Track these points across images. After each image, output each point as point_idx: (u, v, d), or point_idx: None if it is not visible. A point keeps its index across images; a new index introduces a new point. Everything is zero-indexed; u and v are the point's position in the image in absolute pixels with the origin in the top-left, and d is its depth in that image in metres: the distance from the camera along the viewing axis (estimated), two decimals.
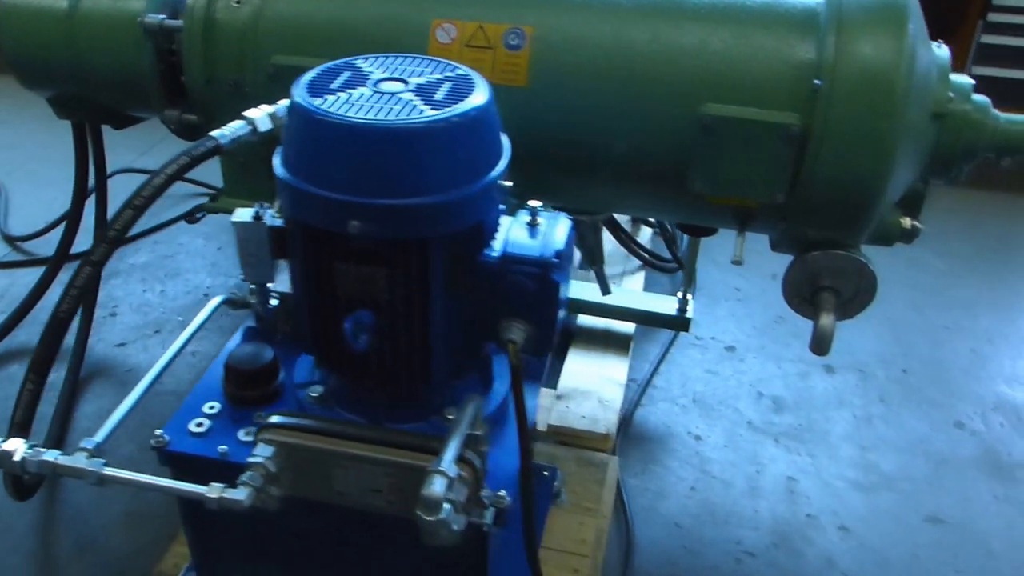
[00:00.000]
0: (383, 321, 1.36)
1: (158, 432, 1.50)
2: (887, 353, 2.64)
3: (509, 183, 1.37)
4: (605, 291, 2.30)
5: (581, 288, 2.38)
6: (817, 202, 1.75)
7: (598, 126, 1.83)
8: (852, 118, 1.67)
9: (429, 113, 1.23)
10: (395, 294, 1.33)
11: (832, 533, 2.05)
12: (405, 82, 1.34)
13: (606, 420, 2.10)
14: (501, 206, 1.48)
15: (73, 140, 2.19)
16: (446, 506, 1.22)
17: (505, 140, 1.41)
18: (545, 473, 1.95)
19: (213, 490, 1.31)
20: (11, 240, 3.04)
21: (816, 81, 1.69)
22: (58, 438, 2.21)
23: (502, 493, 1.38)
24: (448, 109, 1.25)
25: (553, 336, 1.40)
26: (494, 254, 1.36)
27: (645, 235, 2.77)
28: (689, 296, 2.33)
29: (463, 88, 1.31)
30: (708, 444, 2.28)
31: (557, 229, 1.41)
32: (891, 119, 1.67)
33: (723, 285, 2.89)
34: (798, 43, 1.75)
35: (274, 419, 1.39)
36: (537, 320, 1.39)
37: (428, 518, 1.20)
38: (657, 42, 1.79)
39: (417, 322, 1.36)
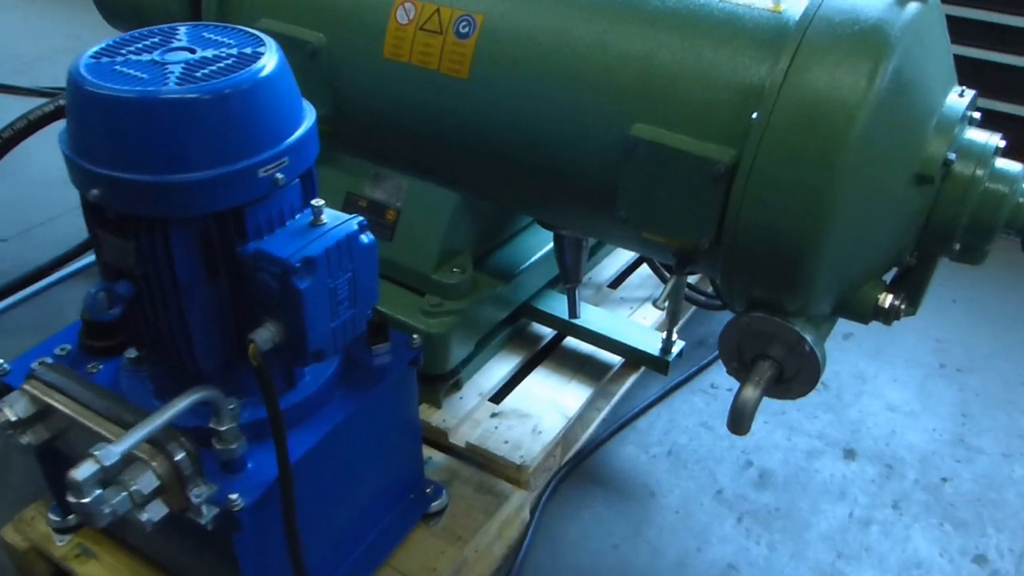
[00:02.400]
0: (141, 295, 1.33)
1: (0, 361, 1.58)
2: (935, 452, 2.20)
3: (281, 174, 1.27)
4: (572, 314, 2.11)
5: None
6: (742, 254, 1.50)
7: (532, 129, 1.70)
8: (784, 161, 1.41)
9: (170, 88, 1.18)
10: (147, 269, 1.30)
11: None
12: (194, 52, 1.29)
13: (528, 451, 1.93)
14: (321, 199, 1.39)
15: None
16: (98, 492, 1.18)
17: (302, 129, 1.31)
18: (427, 490, 1.83)
19: None
20: None
21: (753, 115, 1.42)
22: None
23: (234, 496, 1.32)
24: (191, 85, 1.18)
25: (304, 346, 1.31)
26: (249, 247, 1.28)
27: None
28: (675, 337, 2.07)
29: (239, 67, 1.24)
30: (659, 503, 2.03)
31: (331, 233, 1.30)
32: (832, 170, 1.38)
33: None
34: (752, 64, 1.49)
35: (37, 371, 1.42)
36: (285, 324, 1.30)
37: (71, 499, 1.16)
38: (600, 45, 1.61)
39: (172, 302, 1.32)
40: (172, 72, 1.23)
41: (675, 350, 2.08)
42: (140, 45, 1.32)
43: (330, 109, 1.94)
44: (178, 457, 1.26)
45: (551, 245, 2.16)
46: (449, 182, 1.95)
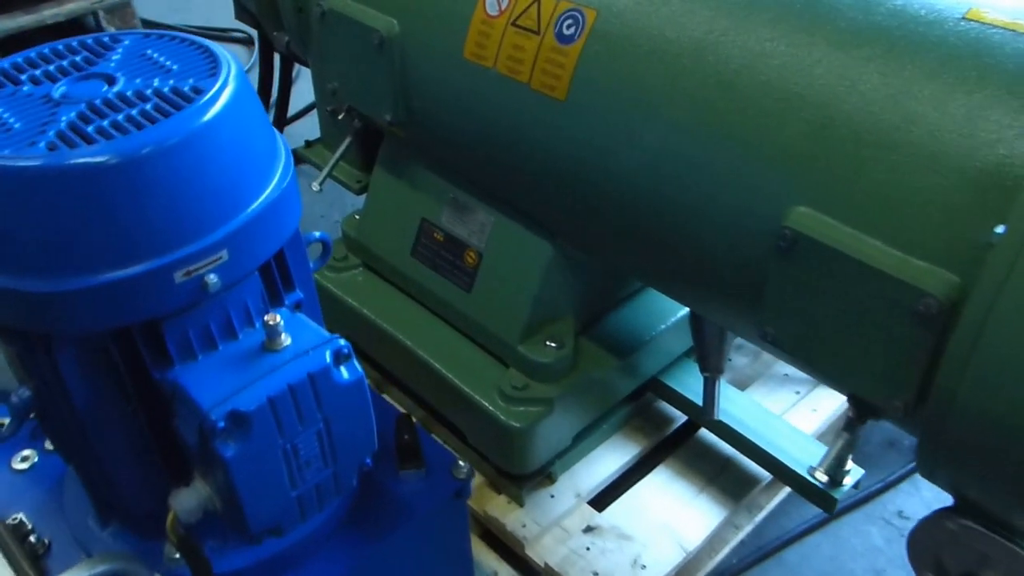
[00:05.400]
0: (41, 408, 0.99)
1: None
2: None
3: (214, 276, 0.87)
4: (707, 411, 1.60)
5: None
6: (954, 439, 0.99)
7: (644, 184, 1.24)
8: None
9: (32, 153, 0.82)
10: (38, 384, 0.95)
11: None
12: (114, 83, 0.90)
13: None
14: (277, 315, 0.99)
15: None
16: None
17: (258, 202, 0.91)
18: None
19: None
20: None
21: (998, 228, 0.88)
22: None
23: None
24: (61, 152, 0.81)
25: (245, 524, 0.92)
26: (168, 375, 0.90)
27: None
28: (849, 465, 1.52)
29: (158, 114, 0.86)
30: None
31: (284, 370, 0.89)
32: None
33: None
34: (1003, 133, 0.94)
35: None
36: (216, 489, 0.91)
37: None
38: (757, 76, 1.07)
39: (74, 430, 0.97)
40: (56, 122, 0.85)
41: (847, 482, 1.54)
42: (51, 67, 0.96)
43: (401, 113, 1.54)
44: None
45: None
46: (538, 225, 1.50)
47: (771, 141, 1.07)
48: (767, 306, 1.11)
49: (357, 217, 1.85)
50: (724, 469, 1.72)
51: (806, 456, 1.60)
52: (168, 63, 0.94)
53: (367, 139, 1.80)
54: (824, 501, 1.56)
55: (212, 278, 0.88)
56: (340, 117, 1.75)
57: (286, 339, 0.92)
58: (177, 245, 0.85)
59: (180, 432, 0.91)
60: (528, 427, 1.50)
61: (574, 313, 1.57)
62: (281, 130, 2.54)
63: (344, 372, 0.93)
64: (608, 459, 1.73)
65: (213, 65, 0.93)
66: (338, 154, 1.82)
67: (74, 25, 3.53)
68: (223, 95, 0.89)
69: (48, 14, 2.93)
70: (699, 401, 1.67)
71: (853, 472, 1.55)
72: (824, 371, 1.11)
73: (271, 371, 0.89)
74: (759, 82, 1.08)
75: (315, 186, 1.82)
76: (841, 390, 1.17)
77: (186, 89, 0.89)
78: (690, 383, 1.72)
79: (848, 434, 1.20)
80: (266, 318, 0.91)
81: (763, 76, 1.08)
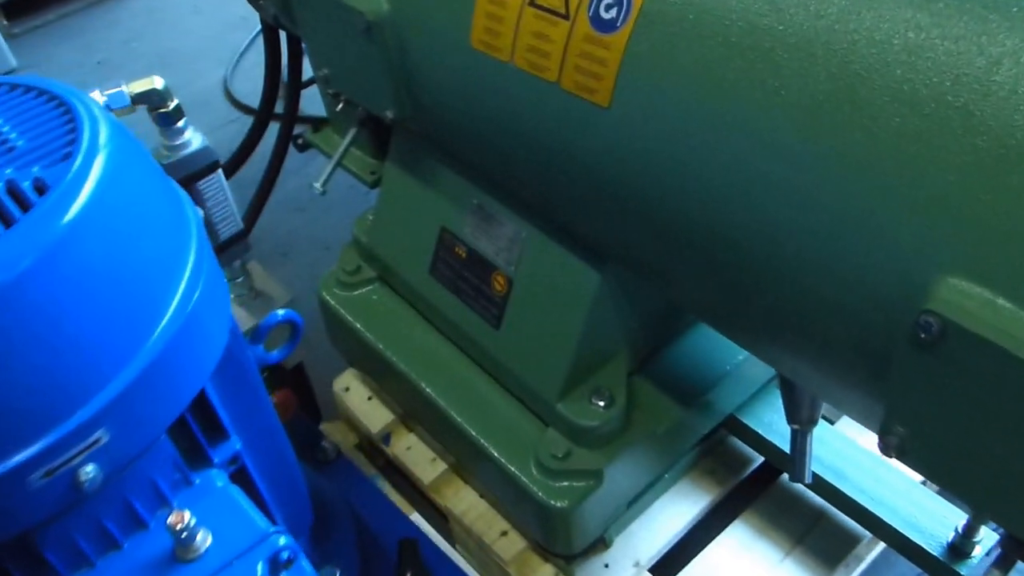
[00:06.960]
0: None
1: None
2: None
3: (90, 470, 0.58)
4: (796, 471, 1.29)
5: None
6: None
7: (722, 221, 0.87)
8: None
9: None
10: None
11: None
12: None
13: None
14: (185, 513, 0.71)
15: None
16: None
17: (158, 332, 0.63)
18: None
19: None
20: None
21: None
22: None
23: None
24: None
25: None
26: None
27: None
28: (979, 535, 1.21)
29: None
30: None
31: None
32: None
33: None
34: None
35: None
36: None
37: None
38: (895, 77, 0.76)
39: None
40: None
41: (976, 553, 1.23)
42: None
43: (406, 108, 1.23)
44: None
45: None
46: (581, 245, 1.18)
47: (913, 177, 0.73)
48: (894, 406, 0.79)
49: (371, 218, 1.54)
50: (817, 522, 1.42)
51: (918, 513, 1.29)
52: (11, 135, 0.63)
53: (378, 123, 1.48)
54: (942, 572, 1.26)
55: (88, 471, 0.59)
56: (339, 108, 1.45)
57: (204, 540, 0.63)
58: (22, 439, 0.56)
59: None
60: (572, 507, 1.20)
61: (626, 352, 1.26)
62: (296, 100, 2.18)
63: None
64: (673, 513, 1.43)
65: (71, 133, 0.62)
66: (342, 148, 1.52)
67: None
68: (82, 191, 0.58)
69: None
70: (786, 446, 1.36)
71: (984, 541, 1.25)
72: (978, 504, 0.80)
73: None
74: (898, 91, 0.74)
75: (317, 187, 1.53)
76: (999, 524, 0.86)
77: (26, 185, 0.58)
78: (774, 422, 1.41)
79: (999, 572, 0.88)
80: (170, 520, 0.61)
81: (905, 82, 0.73)
